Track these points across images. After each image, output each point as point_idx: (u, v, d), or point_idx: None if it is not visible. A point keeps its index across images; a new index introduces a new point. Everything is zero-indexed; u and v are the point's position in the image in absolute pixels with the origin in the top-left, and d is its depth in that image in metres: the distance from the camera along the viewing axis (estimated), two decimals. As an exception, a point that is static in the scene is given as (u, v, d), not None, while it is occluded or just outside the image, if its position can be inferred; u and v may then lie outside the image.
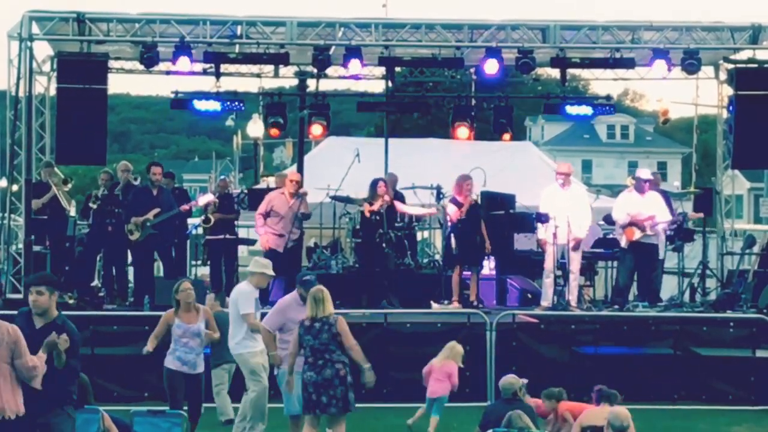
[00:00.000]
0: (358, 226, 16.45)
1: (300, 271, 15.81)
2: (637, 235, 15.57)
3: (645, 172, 16.51)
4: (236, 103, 17.79)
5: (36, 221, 15.62)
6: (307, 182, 18.96)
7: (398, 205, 16.31)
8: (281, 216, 15.76)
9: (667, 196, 17.27)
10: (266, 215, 15.86)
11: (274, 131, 17.71)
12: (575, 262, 15.46)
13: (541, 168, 22.26)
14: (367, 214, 15.88)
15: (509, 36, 16.23)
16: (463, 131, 18.21)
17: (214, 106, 17.42)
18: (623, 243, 15.83)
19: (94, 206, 16.11)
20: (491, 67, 16.08)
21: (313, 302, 10.29)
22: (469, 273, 15.94)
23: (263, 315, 11.47)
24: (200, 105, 17.46)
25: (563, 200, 15.43)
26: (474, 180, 16.04)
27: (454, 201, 15.80)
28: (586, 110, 18.03)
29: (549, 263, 15.43)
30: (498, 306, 16.29)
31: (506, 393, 10.63)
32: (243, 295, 11.46)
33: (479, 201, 16.37)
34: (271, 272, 11.75)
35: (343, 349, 10.19)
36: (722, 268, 17.71)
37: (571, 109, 17.93)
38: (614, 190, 23.95)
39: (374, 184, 16.01)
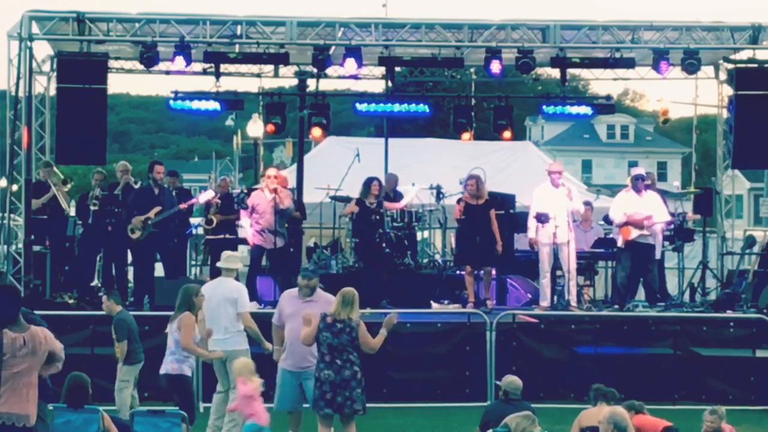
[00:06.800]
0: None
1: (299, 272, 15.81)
2: (633, 234, 15.55)
3: (639, 170, 16.55)
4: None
5: (36, 221, 15.61)
6: (307, 182, 18.98)
7: (387, 204, 16.30)
8: (260, 213, 15.53)
9: (662, 196, 17.27)
10: (251, 213, 15.67)
11: (270, 127, 17.69)
12: (570, 261, 15.43)
13: (541, 168, 22.17)
14: (347, 213, 16.10)
15: (509, 36, 16.22)
16: (464, 135, 18.32)
17: (213, 105, 17.44)
18: (620, 242, 15.83)
19: (94, 207, 16.09)
20: (496, 67, 16.08)
21: (341, 302, 10.37)
22: (464, 272, 15.92)
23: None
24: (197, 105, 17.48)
25: (556, 199, 15.40)
26: (483, 179, 15.82)
27: (460, 200, 15.79)
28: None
29: (544, 263, 15.40)
30: (498, 306, 16.27)
31: (514, 393, 10.43)
32: (245, 293, 11.54)
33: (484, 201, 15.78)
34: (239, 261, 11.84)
35: (359, 351, 10.30)
36: (722, 268, 17.71)
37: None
38: (614, 190, 23.89)
39: (368, 183, 16.05)
